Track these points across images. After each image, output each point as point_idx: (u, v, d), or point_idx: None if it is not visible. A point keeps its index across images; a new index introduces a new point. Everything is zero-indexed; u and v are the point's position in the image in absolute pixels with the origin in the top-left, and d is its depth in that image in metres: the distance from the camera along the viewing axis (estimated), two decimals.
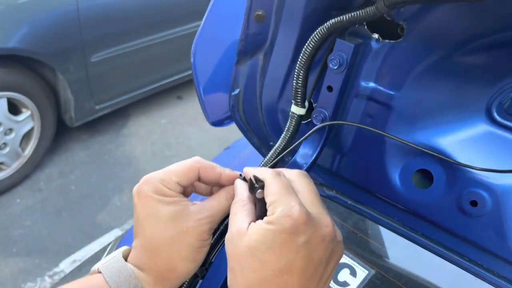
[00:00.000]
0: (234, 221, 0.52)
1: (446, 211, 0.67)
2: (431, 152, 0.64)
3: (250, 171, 0.56)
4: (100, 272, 0.58)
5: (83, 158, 3.16)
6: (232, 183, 0.61)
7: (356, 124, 0.70)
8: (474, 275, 0.70)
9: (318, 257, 0.49)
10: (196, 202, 0.62)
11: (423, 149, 0.65)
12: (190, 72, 3.68)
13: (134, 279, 0.58)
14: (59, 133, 3.14)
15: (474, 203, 0.64)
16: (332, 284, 0.78)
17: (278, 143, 0.69)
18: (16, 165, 2.78)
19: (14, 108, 2.66)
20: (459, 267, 0.71)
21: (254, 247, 0.48)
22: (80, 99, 2.90)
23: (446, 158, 0.64)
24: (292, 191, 0.51)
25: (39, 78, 2.72)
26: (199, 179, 0.61)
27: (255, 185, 0.52)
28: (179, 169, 0.58)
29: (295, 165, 0.71)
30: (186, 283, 0.66)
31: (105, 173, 3.07)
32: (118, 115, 3.55)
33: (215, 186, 0.65)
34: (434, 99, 0.64)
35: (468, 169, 0.64)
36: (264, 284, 0.48)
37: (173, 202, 0.57)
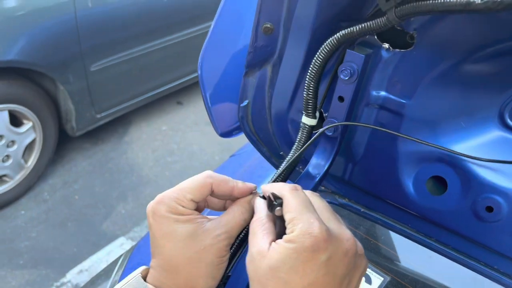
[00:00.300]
0: (254, 242, 0.52)
1: (461, 218, 0.67)
2: (444, 149, 0.64)
3: (268, 188, 0.55)
4: None
5: (86, 167, 3.16)
6: (245, 196, 0.61)
7: (365, 125, 0.70)
8: (490, 279, 0.70)
9: (341, 272, 0.48)
10: (211, 216, 0.62)
11: (437, 147, 0.65)
12: (189, 77, 3.70)
13: None
14: (61, 143, 3.14)
15: (489, 209, 0.64)
16: None
17: (290, 154, 0.69)
18: (19, 177, 2.77)
19: (15, 120, 2.65)
20: (475, 272, 0.71)
21: (276, 267, 0.47)
22: (81, 108, 2.90)
23: (458, 153, 0.64)
24: (311, 208, 0.51)
25: (39, 89, 2.71)
26: (211, 193, 0.60)
27: (274, 203, 0.52)
28: (192, 186, 0.58)
29: (308, 176, 0.71)
30: None
31: (108, 182, 3.06)
32: (119, 123, 3.54)
33: (228, 199, 0.64)
34: (446, 107, 0.64)
35: (483, 174, 0.64)
36: None
37: (188, 220, 0.57)
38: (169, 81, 3.52)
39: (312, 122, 0.69)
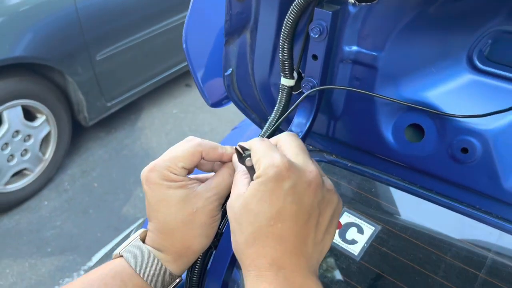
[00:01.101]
0: (234, 189, 0.56)
1: (439, 161, 0.69)
2: (416, 106, 0.66)
3: (239, 144, 0.59)
4: (121, 256, 0.63)
5: (102, 156, 3.24)
6: (234, 162, 0.65)
7: (342, 87, 0.72)
8: (474, 219, 0.73)
9: (308, 202, 0.52)
10: (201, 176, 0.66)
11: (410, 104, 0.67)
12: None
13: (154, 259, 0.63)
14: (76, 134, 3.22)
15: (464, 150, 0.66)
16: (340, 242, 0.82)
17: (273, 115, 0.73)
18: (39, 170, 2.87)
19: (29, 115, 2.74)
20: (460, 214, 0.74)
21: (247, 202, 0.52)
22: (91, 98, 2.96)
23: (429, 109, 0.66)
24: (275, 148, 0.55)
25: (49, 82, 2.78)
26: (202, 159, 0.64)
27: (243, 154, 0.55)
28: (183, 155, 0.61)
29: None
30: (200, 255, 0.71)
31: (125, 167, 3.15)
32: (131, 110, 3.61)
33: (217, 162, 0.68)
34: (417, 55, 0.66)
35: (456, 118, 0.67)
36: (260, 236, 0.51)
37: (180, 186, 0.61)
38: (175, 63, 3.55)
39: (290, 82, 0.72)
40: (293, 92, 0.74)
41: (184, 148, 0.62)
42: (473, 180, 0.68)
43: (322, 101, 0.75)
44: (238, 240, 0.54)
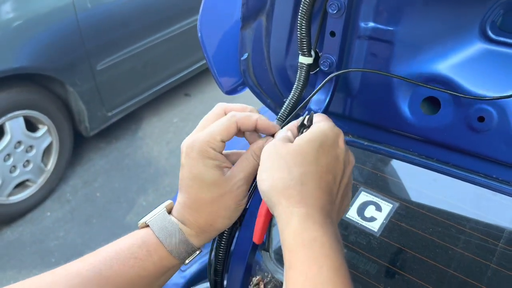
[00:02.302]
0: (279, 134, 0.63)
1: (456, 132, 0.71)
2: (436, 88, 0.69)
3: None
4: (147, 226, 0.64)
5: (104, 166, 3.24)
6: (267, 130, 0.67)
7: (365, 70, 0.74)
8: (492, 190, 0.74)
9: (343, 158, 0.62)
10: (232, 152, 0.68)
11: (427, 86, 0.69)
12: (194, 67, 3.76)
13: (179, 232, 0.64)
14: (77, 144, 3.23)
15: (481, 119, 0.68)
16: (359, 220, 0.84)
17: (292, 93, 0.74)
18: (41, 181, 2.87)
19: (31, 126, 2.74)
20: (477, 185, 0.75)
21: (310, 143, 0.58)
22: (92, 108, 2.97)
23: (451, 92, 0.68)
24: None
25: (50, 93, 2.80)
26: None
27: (305, 124, 0.63)
28: (221, 128, 0.63)
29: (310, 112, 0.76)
30: (226, 233, 0.72)
31: (127, 177, 3.15)
32: (131, 119, 3.62)
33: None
34: (431, 28, 0.69)
35: (471, 89, 0.69)
36: (312, 178, 0.56)
37: (215, 166, 0.63)
38: (174, 72, 3.58)
39: (308, 60, 0.74)
40: (310, 72, 0.76)
41: (221, 122, 0.64)
42: (491, 148, 0.70)
43: (340, 79, 0.76)
44: (285, 177, 0.56)
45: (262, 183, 0.58)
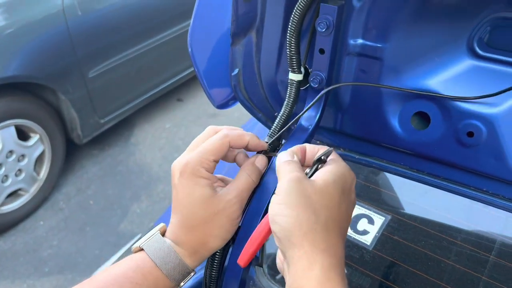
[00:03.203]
0: (285, 156, 0.59)
1: (446, 146, 0.72)
2: (423, 93, 0.69)
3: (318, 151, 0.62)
4: (142, 249, 0.64)
5: (96, 173, 3.23)
6: (258, 148, 0.69)
7: (356, 83, 0.75)
8: (482, 202, 0.75)
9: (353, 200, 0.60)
10: (222, 176, 0.68)
11: (418, 92, 0.70)
12: (186, 73, 3.76)
13: (173, 254, 0.64)
14: (70, 152, 3.21)
15: (470, 134, 0.69)
16: (352, 233, 0.84)
17: (283, 110, 0.75)
18: (34, 189, 2.85)
19: (23, 134, 2.72)
20: (467, 198, 0.76)
21: (327, 186, 0.55)
22: (84, 115, 2.96)
23: (435, 94, 0.69)
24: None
25: (41, 101, 2.78)
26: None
27: (322, 159, 0.59)
28: (213, 148, 0.64)
29: (301, 129, 0.76)
30: (219, 251, 0.72)
31: (120, 184, 3.13)
32: (124, 126, 3.61)
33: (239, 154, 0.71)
34: (419, 44, 0.69)
35: (460, 103, 0.69)
36: (334, 220, 0.54)
37: (208, 184, 0.64)
38: (166, 78, 3.57)
39: (298, 77, 0.74)
40: (300, 88, 0.77)
41: (213, 141, 0.64)
42: (480, 163, 0.70)
43: (330, 95, 0.77)
44: (309, 221, 0.52)
45: (283, 219, 0.52)
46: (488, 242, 0.80)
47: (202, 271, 0.86)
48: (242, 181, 0.67)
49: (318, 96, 0.71)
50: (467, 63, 0.68)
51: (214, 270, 0.73)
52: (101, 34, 2.89)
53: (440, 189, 0.77)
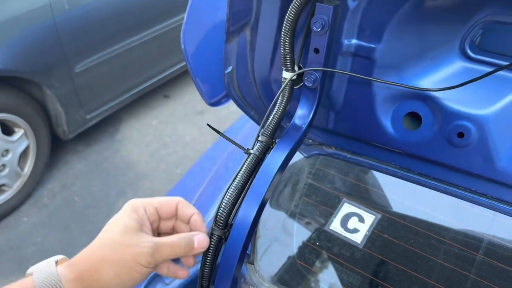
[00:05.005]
0: None
1: (437, 146, 0.73)
2: (411, 87, 0.70)
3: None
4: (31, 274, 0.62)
5: (82, 169, 3.19)
6: (197, 228, 0.69)
7: (345, 72, 0.75)
8: (470, 202, 0.76)
9: None
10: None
11: (405, 86, 0.71)
12: (173, 69, 3.73)
13: (59, 282, 0.61)
14: (55, 147, 3.16)
15: (461, 135, 0.70)
16: (342, 232, 0.85)
17: (276, 108, 0.75)
18: (17, 185, 2.80)
19: (7, 129, 2.68)
20: (456, 197, 0.77)
21: None
22: (70, 111, 2.92)
23: (411, 87, 0.70)
24: None
25: (26, 96, 2.73)
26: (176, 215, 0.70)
27: None
28: (163, 201, 0.68)
29: (295, 127, 0.77)
30: (212, 246, 0.72)
31: (106, 180, 3.10)
32: (110, 122, 3.57)
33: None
34: (412, 46, 0.70)
35: (452, 105, 0.70)
36: None
37: (135, 219, 0.65)
38: (153, 75, 3.55)
39: (292, 76, 0.74)
40: (294, 87, 0.77)
41: (168, 198, 0.70)
42: (469, 163, 0.72)
43: (323, 94, 0.77)
44: None
45: None
46: (476, 241, 0.81)
47: (194, 269, 0.86)
48: (171, 240, 0.65)
49: (285, 84, 0.71)
50: (459, 64, 0.69)
51: (206, 267, 0.73)
52: (89, 28, 2.86)
53: (430, 188, 0.79)
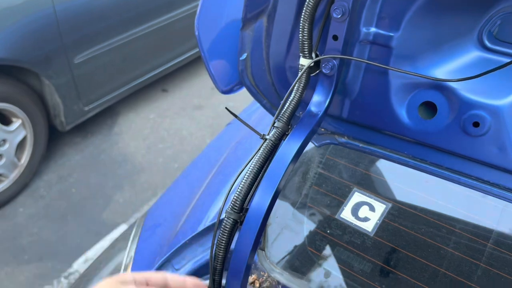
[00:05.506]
0: None
1: (452, 136, 0.74)
2: (427, 77, 0.71)
3: None
4: None
5: (79, 161, 3.17)
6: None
7: (364, 60, 0.76)
8: (483, 192, 0.77)
9: None
10: None
11: (424, 76, 0.71)
12: (172, 63, 3.72)
13: None
14: (52, 139, 3.15)
15: (476, 124, 0.71)
16: (353, 220, 0.85)
17: (293, 94, 0.75)
18: (14, 175, 2.78)
19: (4, 119, 2.66)
20: (468, 187, 0.78)
21: None
22: (68, 102, 2.90)
23: (427, 77, 0.70)
24: None
25: (25, 85, 2.71)
26: None
27: None
28: (152, 274, 0.68)
29: (310, 114, 0.77)
30: (227, 228, 0.72)
31: (103, 173, 3.09)
32: (107, 114, 3.56)
33: None
34: (430, 35, 0.71)
35: (467, 95, 0.71)
36: None
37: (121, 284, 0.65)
38: (152, 68, 3.53)
39: (309, 63, 0.74)
40: (310, 74, 0.77)
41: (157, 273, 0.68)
42: (483, 153, 0.73)
43: (339, 82, 0.78)
44: None
45: None
46: (486, 232, 0.82)
47: (203, 255, 0.87)
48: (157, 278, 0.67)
49: (302, 71, 0.72)
50: (475, 54, 0.70)
51: (221, 250, 0.73)
52: (89, 19, 2.84)
53: (442, 178, 0.79)
